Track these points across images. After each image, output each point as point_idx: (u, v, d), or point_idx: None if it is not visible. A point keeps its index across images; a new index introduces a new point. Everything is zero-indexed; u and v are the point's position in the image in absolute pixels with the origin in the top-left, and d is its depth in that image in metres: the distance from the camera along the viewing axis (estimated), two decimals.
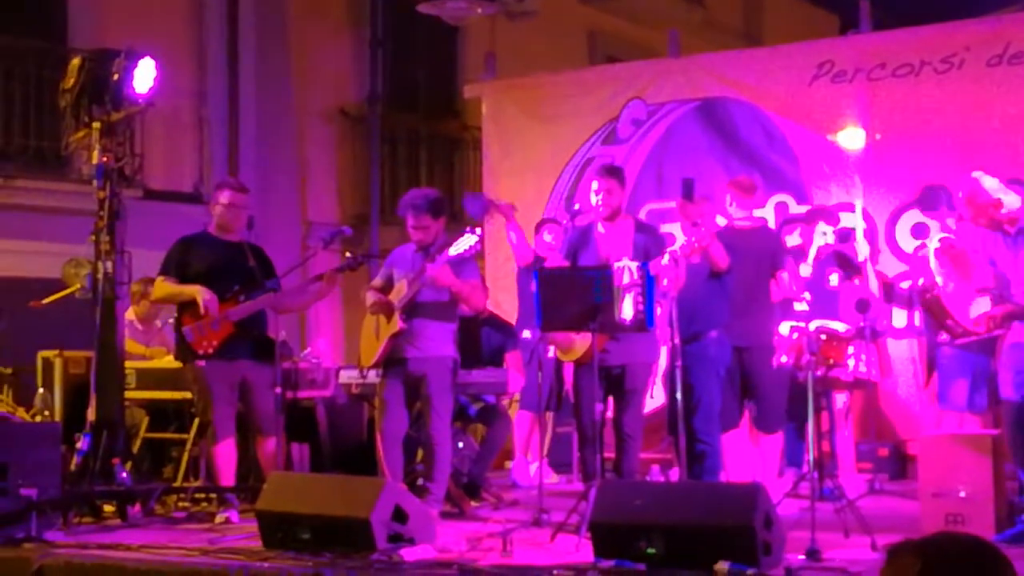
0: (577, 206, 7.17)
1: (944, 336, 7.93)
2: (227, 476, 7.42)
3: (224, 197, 7.55)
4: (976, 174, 6.39)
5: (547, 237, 9.14)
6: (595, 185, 7.18)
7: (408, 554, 5.77)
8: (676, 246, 6.94)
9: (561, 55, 13.49)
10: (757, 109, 9.75)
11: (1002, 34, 8.95)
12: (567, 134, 10.43)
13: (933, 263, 6.69)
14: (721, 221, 7.84)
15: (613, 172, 7.32)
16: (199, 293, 7.25)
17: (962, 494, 6.31)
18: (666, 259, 6.62)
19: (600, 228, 7.14)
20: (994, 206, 6.27)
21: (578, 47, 14.70)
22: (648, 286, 6.47)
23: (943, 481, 6.38)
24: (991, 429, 7.27)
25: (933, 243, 6.69)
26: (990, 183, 6.31)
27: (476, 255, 7.21)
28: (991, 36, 8.99)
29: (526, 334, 8.50)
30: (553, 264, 7.38)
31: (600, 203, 7.09)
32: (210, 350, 7.28)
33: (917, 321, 8.92)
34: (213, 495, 7.60)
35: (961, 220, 8.26)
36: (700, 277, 7.10)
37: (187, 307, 7.35)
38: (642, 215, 9.98)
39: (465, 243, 6.98)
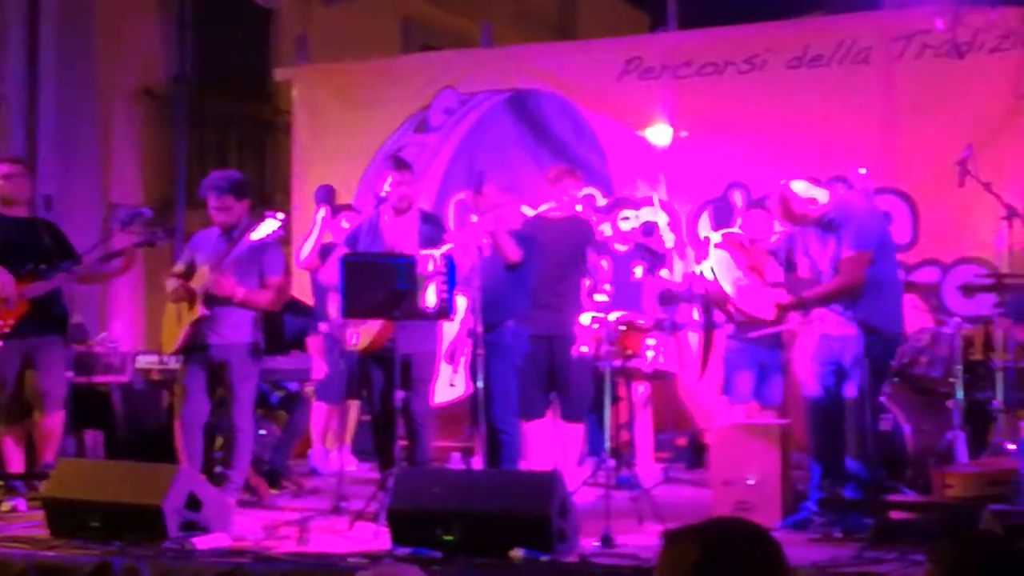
0: (384, 193, 7.11)
1: (731, 328, 8.16)
2: (15, 462, 7.18)
3: (2, 169, 7.40)
4: (784, 181, 6.55)
5: (345, 224, 9.10)
6: (389, 178, 7.14)
7: (201, 542, 5.69)
8: None
9: (375, 42, 13.39)
10: (567, 102, 9.85)
11: (803, 37, 9.23)
12: (379, 121, 10.37)
13: (716, 258, 6.79)
14: (529, 211, 7.91)
15: (405, 165, 7.31)
16: None
17: (751, 482, 6.49)
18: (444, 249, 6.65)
19: (386, 218, 7.12)
20: (810, 206, 6.45)
21: (393, 34, 14.62)
22: (451, 275, 6.48)
23: (733, 469, 6.55)
24: (780, 420, 7.50)
25: (715, 238, 6.84)
26: (799, 187, 6.49)
27: (281, 240, 7.13)
28: (792, 39, 9.26)
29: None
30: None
31: (391, 194, 7.06)
32: (6, 329, 7.05)
33: (696, 315, 9.13)
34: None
35: (752, 210, 8.56)
36: (499, 268, 7.15)
37: None
38: (452, 204, 10.02)
39: (267, 228, 6.90)
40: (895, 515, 6.16)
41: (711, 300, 7.63)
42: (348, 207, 9.35)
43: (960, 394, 7.15)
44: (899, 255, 8.59)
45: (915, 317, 7.81)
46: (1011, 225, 6.98)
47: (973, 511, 5.58)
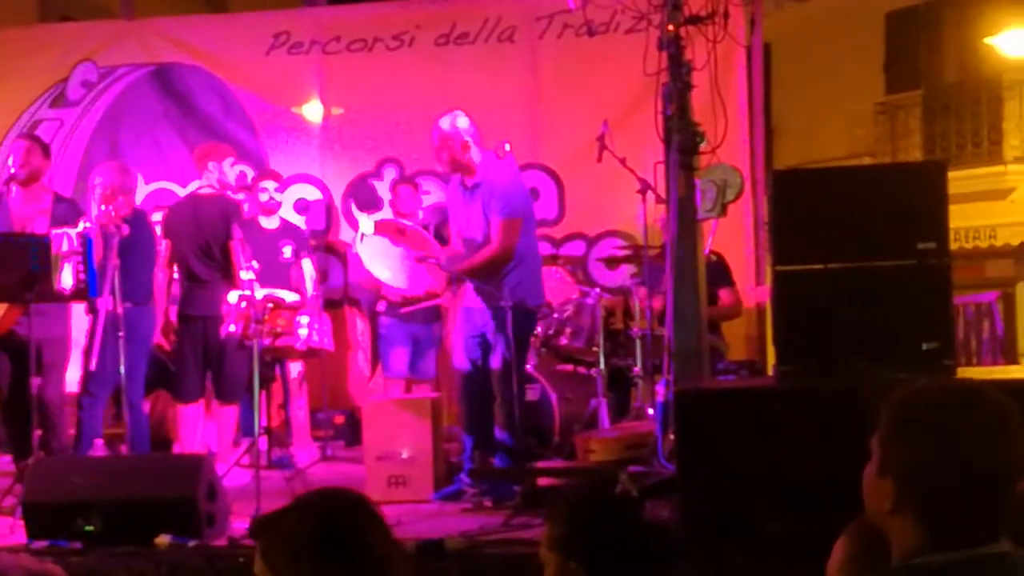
0: (13, 171, 6.75)
1: (382, 305, 8.21)
2: None
3: None
4: (455, 111, 6.60)
5: None
6: (16, 147, 6.82)
7: None
8: None
9: (9, 10, 12.66)
10: (214, 77, 9.62)
11: (450, 15, 9.34)
12: (12, 95, 9.80)
13: (369, 246, 6.78)
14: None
15: (34, 138, 7.01)
16: None
17: (404, 455, 6.55)
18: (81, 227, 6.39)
19: (15, 195, 6.78)
20: (462, 146, 6.51)
21: (28, 3, 13.87)
22: (88, 254, 6.22)
23: (386, 444, 6.60)
24: (433, 393, 7.60)
25: (367, 227, 6.82)
26: (463, 122, 6.56)
27: None
28: (440, 16, 9.36)
29: None
30: None
31: (17, 165, 6.73)
32: None
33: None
34: None
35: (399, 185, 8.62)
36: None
37: None
38: (96, 179, 9.60)
39: None
40: (543, 481, 6.34)
41: (365, 288, 7.66)
42: None
43: (602, 362, 7.43)
44: (547, 230, 8.92)
45: (563, 289, 8.07)
46: (645, 199, 7.28)
47: (612, 474, 5.81)
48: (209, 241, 7.44)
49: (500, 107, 9.06)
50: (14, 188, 6.77)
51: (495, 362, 6.46)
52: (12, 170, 6.75)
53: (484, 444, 6.59)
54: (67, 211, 6.72)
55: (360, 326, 9.24)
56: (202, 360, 7.44)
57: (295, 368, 8.31)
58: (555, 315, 7.56)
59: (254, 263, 6.52)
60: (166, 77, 9.68)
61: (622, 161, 7.18)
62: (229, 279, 7.32)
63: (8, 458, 8.50)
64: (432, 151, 6.75)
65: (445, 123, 6.56)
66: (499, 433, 6.53)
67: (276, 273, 7.67)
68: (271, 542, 2.27)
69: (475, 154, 6.56)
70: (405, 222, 7.36)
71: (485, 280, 6.46)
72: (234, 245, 7.23)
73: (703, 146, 6.07)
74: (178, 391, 7.57)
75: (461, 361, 6.67)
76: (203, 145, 8.17)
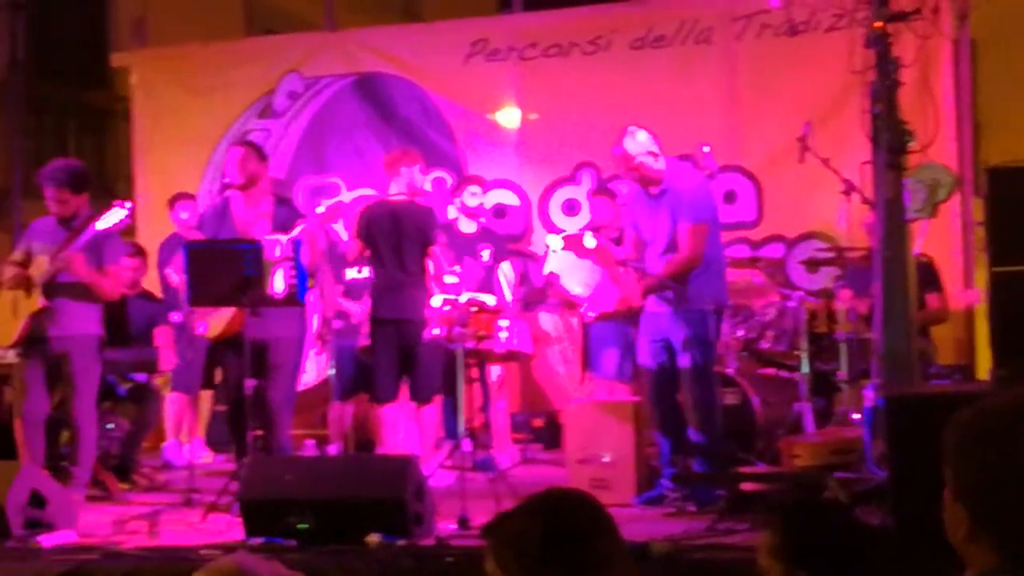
0: (229, 178, 6.97)
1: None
2: None
3: None
4: (631, 128, 6.59)
5: (183, 215, 8.95)
6: (231, 156, 7.04)
7: (46, 540, 5.54)
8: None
9: (217, 25, 13.12)
10: (414, 85, 9.80)
11: (645, 18, 9.32)
12: (221, 107, 10.17)
13: (559, 261, 6.78)
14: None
15: (249, 143, 7.22)
16: None
17: (606, 459, 6.55)
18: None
19: (236, 201, 6.99)
20: (642, 164, 6.49)
21: (235, 18, 14.32)
22: (298, 259, 6.39)
23: (588, 447, 6.61)
24: (634, 396, 7.57)
25: (556, 244, 6.80)
26: (642, 137, 6.54)
27: (124, 229, 6.96)
28: (635, 19, 9.34)
29: None
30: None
31: (233, 172, 6.94)
32: None
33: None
34: None
35: (596, 196, 8.62)
36: None
37: None
38: (299, 190, 9.90)
39: (113, 217, 6.72)
40: (746, 487, 6.27)
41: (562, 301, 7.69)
42: (185, 195, 9.19)
43: (806, 366, 7.31)
44: (745, 232, 8.83)
45: (762, 293, 7.97)
46: (849, 199, 7.13)
47: (819, 479, 5.71)
48: (404, 246, 7.52)
49: (696, 109, 9.02)
50: (234, 195, 6.98)
51: (685, 364, 6.42)
52: (228, 178, 6.96)
53: (680, 448, 6.55)
54: (287, 213, 6.89)
55: (559, 329, 9.26)
56: (396, 362, 7.55)
57: (495, 371, 8.39)
58: (756, 318, 7.46)
59: (456, 267, 6.61)
60: (368, 86, 9.91)
61: (825, 162, 7.05)
62: (421, 283, 7.43)
63: (224, 456, 8.90)
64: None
65: (624, 145, 6.52)
66: (694, 435, 6.47)
67: (476, 276, 7.76)
68: (499, 542, 2.30)
69: (658, 164, 6.52)
70: (591, 239, 7.18)
71: (673, 285, 6.44)
72: (434, 250, 7.35)
73: (911, 145, 5.92)
74: (374, 393, 7.71)
75: (648, 364, 6.65)
76: (393, 152, 8.28)
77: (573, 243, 6.78)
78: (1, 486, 5.64)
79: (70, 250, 6.69)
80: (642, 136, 6.53)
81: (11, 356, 7.06)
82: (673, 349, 6.46)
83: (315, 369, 8.26)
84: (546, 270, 6.95)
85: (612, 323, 7.99)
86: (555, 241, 6.81)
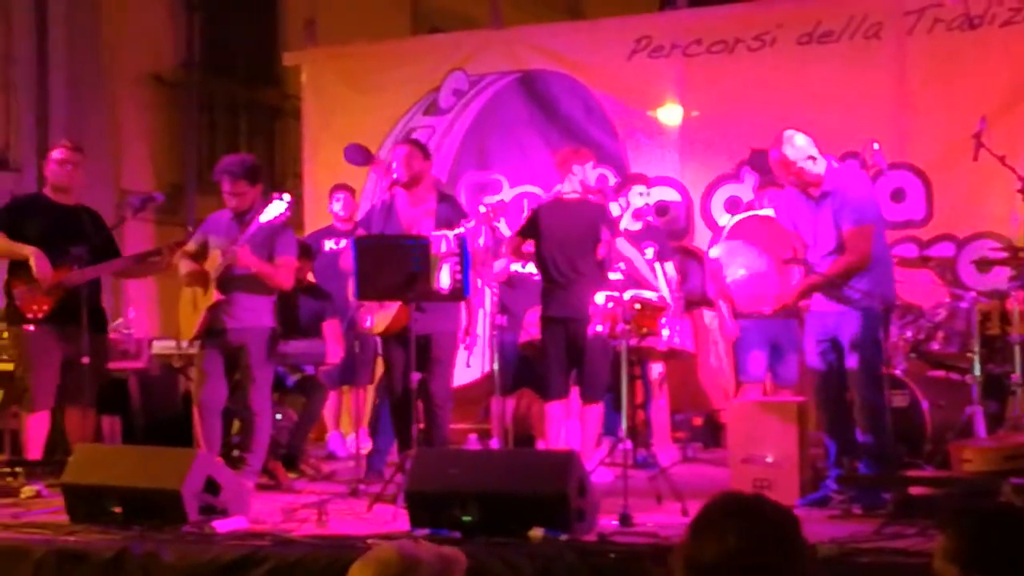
0: (396, 176, 7.09)
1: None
2: (36, 448, 7.20)
3: (57, 154, 7.44)
4: (788, 132, 6.50)
5: (336, 207, 9.12)
6: (397, 153, 7.15)
7: (221, 525, 5.70)
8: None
9: (384, 24, 13.35)
10: (577, 82, 9.82)
11: (812, 13, 9.18)
12: (389, 104, 10.34)
13: (724, 248, 6.72)
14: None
15: (414, 141, 7.31)
16: (32, 255, 7.07)
17: (769, 460, 6.48)
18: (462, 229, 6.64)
19: (401, 198, 7.10)
20: (800, 170, 6.40)
21: (401, 17, 14.56)
22: (464, 255, 6.47)
23: (751, 447, 6.55)
24: (797, 397, 7.48)
25: (728, 223, 6.78)
26: (801, 140, 6.44)
27: (289, 222, 7.13)
28: (803, 15, 9.21)
29: None
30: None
31: (399, 169, 7.05)
32: (40, 315, 7.09)
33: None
34: (20, 468, 7.34)
35: (762, 190, 8.50)
36: None
37: (18, 269, 7.14)
38: (462, 186, 10.02)
39: (274, 210, 6.89)
40: (914, 490, 6.14)
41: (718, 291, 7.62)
42: (342, 186, 9.34)
43: (977, 369, 7.14)
44: (913, 231, 8.64)
45: (931, 293, 7.80)
46: None
47: (992, 485, 5.57)
48: (575, 244, 7.51)
49: (864, 106, 8.86)
50: (399, 192, 7.10)
51: (853, 365, 6.31)
52: (395, 175, 7.09)
53: (847, 450, 6.45)
54: (450, 211, 6.99)
55: (715, 329, 9.19)
56: (566, 360, 7.56)
57: (656, 369, 8.37)
58: (925, 319, 7.31)
59: (621, 264, 6.61)
60: (531, 83, 9.97)
61: (1001, 159, 6.86)
62: (589, 281, 7.44)
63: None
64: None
65: (783, 151, 6.42)
66: (861, 437, 6.37)
67: (640, 273, 7.74)
68: (693, 549, 2.33)
69: (817, 167, 6.40)
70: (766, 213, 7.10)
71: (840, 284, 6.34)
72: (602, 247, 7.36)
73: None
74: (544, 390, 7.73)
75: (815, 364, 6.55)
76: (565, 149, 8.26)
77: (744, 228, 6.74)
78: (178, 472, 5.82)
79: (239, 248, 6.88)
80: (800, 140, 6.43)
81: (194, 349, 7.29)
82: (841, 349, 6.37)
83: (478, 363, 8.34)
84: (713, 254, 6.89)
85: (763, 323, 7.89)
86: (728, 221, 6.77)
